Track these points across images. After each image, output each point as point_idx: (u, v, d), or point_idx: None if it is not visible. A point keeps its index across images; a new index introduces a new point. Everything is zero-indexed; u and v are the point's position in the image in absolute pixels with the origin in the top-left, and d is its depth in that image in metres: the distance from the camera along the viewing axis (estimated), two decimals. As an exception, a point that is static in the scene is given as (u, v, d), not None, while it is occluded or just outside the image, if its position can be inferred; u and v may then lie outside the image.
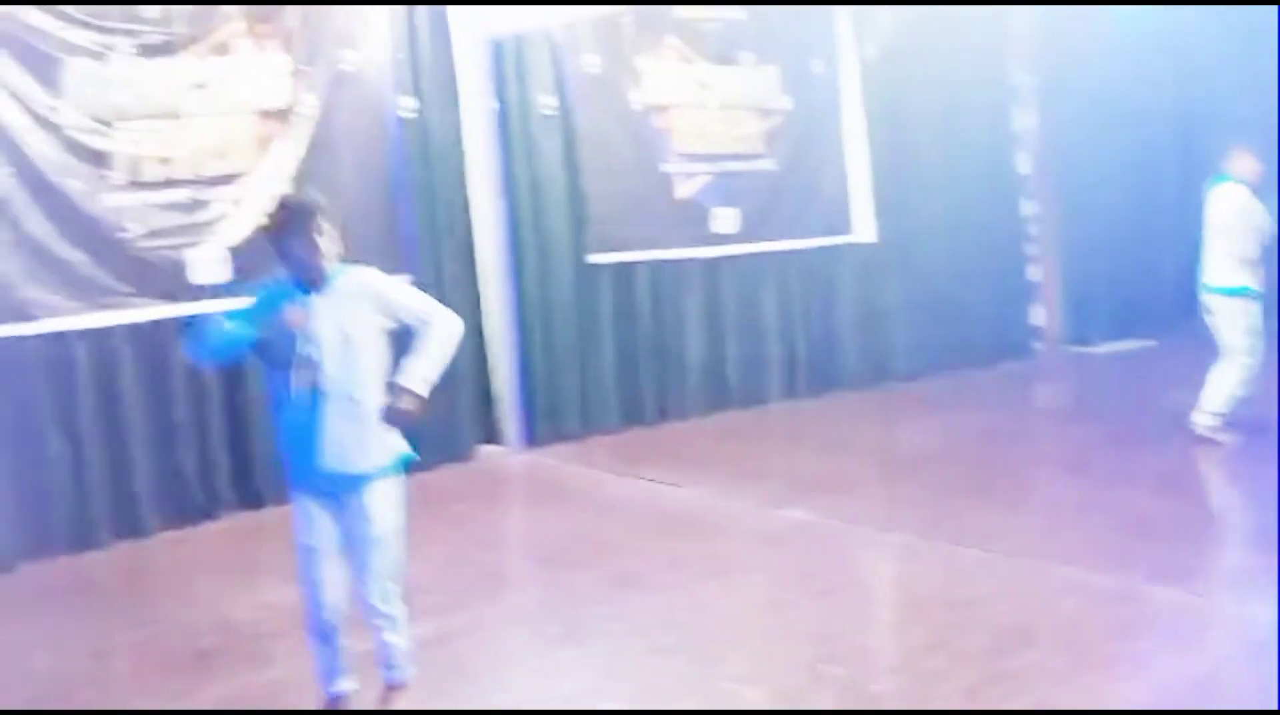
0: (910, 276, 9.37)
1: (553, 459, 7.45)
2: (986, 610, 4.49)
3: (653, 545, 5.58)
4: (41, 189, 5.66)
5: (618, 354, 8.01)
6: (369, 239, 6.78)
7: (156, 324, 6.05)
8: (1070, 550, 4.99)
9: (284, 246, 3.46)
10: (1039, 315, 10.37)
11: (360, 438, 3.47)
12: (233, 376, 6.39)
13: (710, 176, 8.29)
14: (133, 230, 5.92)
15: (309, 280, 3.48)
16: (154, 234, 6.00)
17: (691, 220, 8.22)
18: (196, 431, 6.30)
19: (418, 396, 3.46)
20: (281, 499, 6.43)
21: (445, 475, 7.12)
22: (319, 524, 3.56)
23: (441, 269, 7.20)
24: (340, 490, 3.52)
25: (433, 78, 7.11)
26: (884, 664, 4.12)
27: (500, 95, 7.42)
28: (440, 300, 7.00)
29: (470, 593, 5.04)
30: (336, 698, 3.70)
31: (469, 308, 7.41)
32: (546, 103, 7.55)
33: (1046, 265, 10.29)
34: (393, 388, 3.46)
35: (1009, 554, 5.06)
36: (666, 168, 8.08)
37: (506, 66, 7.44)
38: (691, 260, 8.26)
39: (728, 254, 8.42)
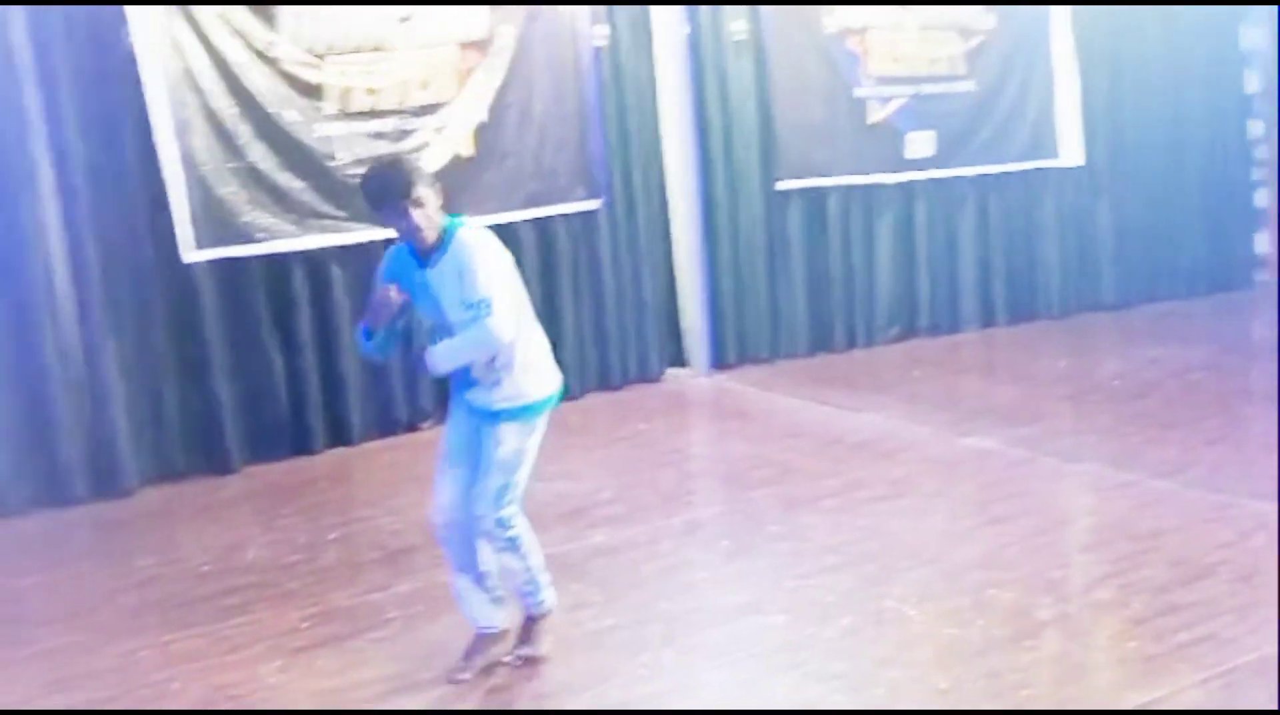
0: (1121, 201, 8.98)
1: (738, 383, 7.56)
2: (1168, 542, 4.39)
3: (831, 468, 5.65)
4: (262, 121, 6.06)
5: (807, 280, 8.02)
6: (561, 166, 7.04)
7: (363, 245, 6.43)
8: (1264, 486, 4.78)
9: (384, 219, 3.42)
10: (1263, 243, 9.74)
11: (490, 386, 3.54)
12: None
13: (906, 99, 8.11)
14: (342, 158, 6.28)
15: (419, 253, 3.45)
16: (361, 162, 6.33)
17: (885, 144, 8.08)
18: (402, 347, 6.67)
19: (431, 366, 3.53)
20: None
21: (633, 395, 7.37)
22: (460, 428, 3.68)
23: (632, 195, 7.36)
24: (480, 420, 3.62)
25: (626, 5, 7.20)
26: (1054, 592, 4.09)
27: (692, 21, 7.46)
28: (631, 227, 7.31)
29: (648, 507, 5.24)
30: (484, 633, 3.75)
31: (659, 234, 7.58)
32: (738, 28, 7.53)
33: (1274, 190, 9.62)
34: (420, 352, 3.57)
35: (1198, 487, 4.90)
36: (860, 91, 7.96)
37: (697, -8, 7.48)
38: (884, 185, 8.14)
39: (923, 178, 8.25)
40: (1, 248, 5.56)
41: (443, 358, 3.52)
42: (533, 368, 3.63)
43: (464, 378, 3.60)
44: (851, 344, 8.19)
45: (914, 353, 8.12)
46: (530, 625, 3.80)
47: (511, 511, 3.61)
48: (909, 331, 8.40)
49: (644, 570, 4.51)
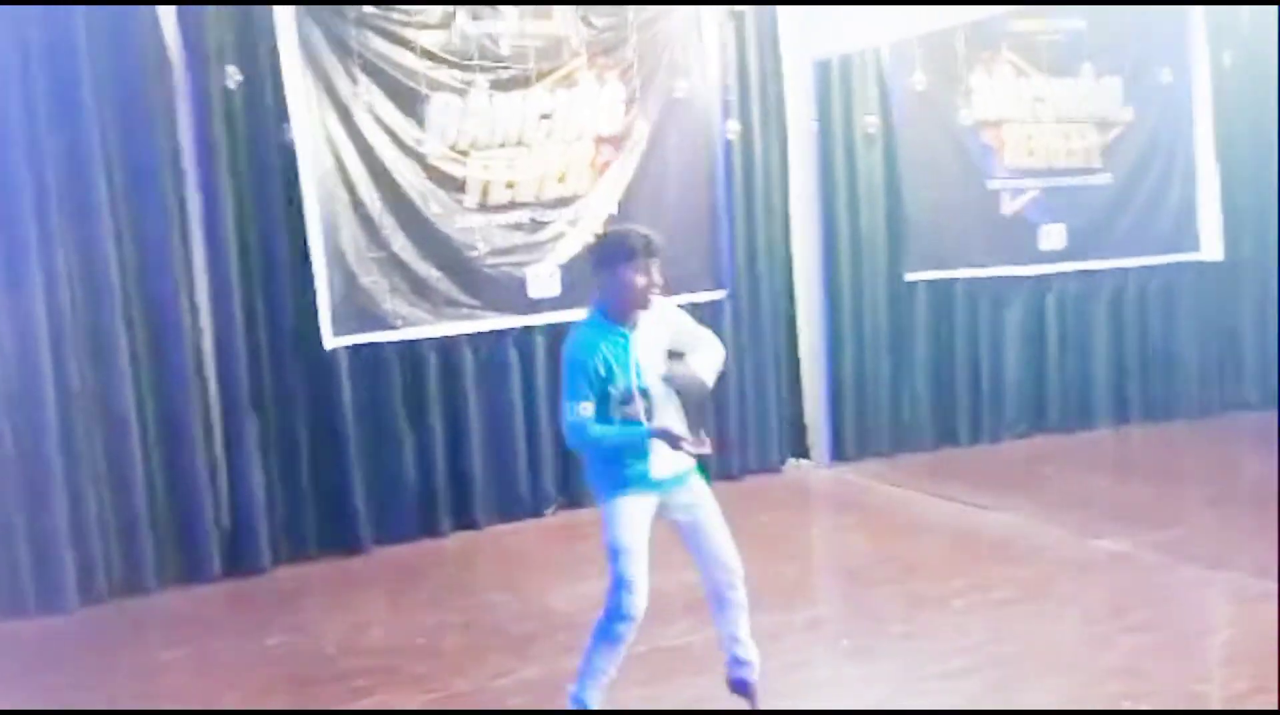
0: (1265, 297, 8.67)
1: (860, 475, 7.48)
2: (1319, 661, 4.17)
3: (956, 567, 5.53)
4: (406, 212, 6.32)
5: (932, 372, 7.94)
6: (690, 257, 7.14)
7: (496, 333, 6.61)
8: None
9: (604, 278, 3.59)
10: None
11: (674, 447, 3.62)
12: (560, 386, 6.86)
13: (1039, 191, 8.04)
14: (480, 249, 6.50)
15: (624, 318, 3.59)
16: (497, 252, 6.56)
17: (1016, 236, 8.00)
18: (527, 434, 6.82)
19: (703, 382, 3.68)
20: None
21: (754, 485, 7.35)
22: (639, 513, 3.68)
23: (758, 286, 7.42)
24: (670, 488, 3.71)
25: (758, 100, 7.33)
26: (1196, 706, 3.92)
27: (822, 115, 7.55)
28: (755, 317, 7.36)
29: (770, 600, 5.15)
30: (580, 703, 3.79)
31: (784, 324, 7.60)
32: (869, 121, 7.61)
33: None
34: (679, 371, 3.63)
35: (1353, 603, 4.66)
36: (993, 183, 7.92)
37: (830, 87, 7.57)
38: (1014, 278, 8.04)
39: (1054, 271, 8.13)
40: (155, 329, 5.85)
41: (706, 366, 3.71)
42: None
43: (631, 455, 3.63)
44: (976, 439, 8.05)
45: (1042, 450, 7.93)
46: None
47: None
48: (1037, 427, 8.20)
49: (768, 666, 4.43)
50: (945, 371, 7.97)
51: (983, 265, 7.93)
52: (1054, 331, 8.24)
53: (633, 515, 3.66)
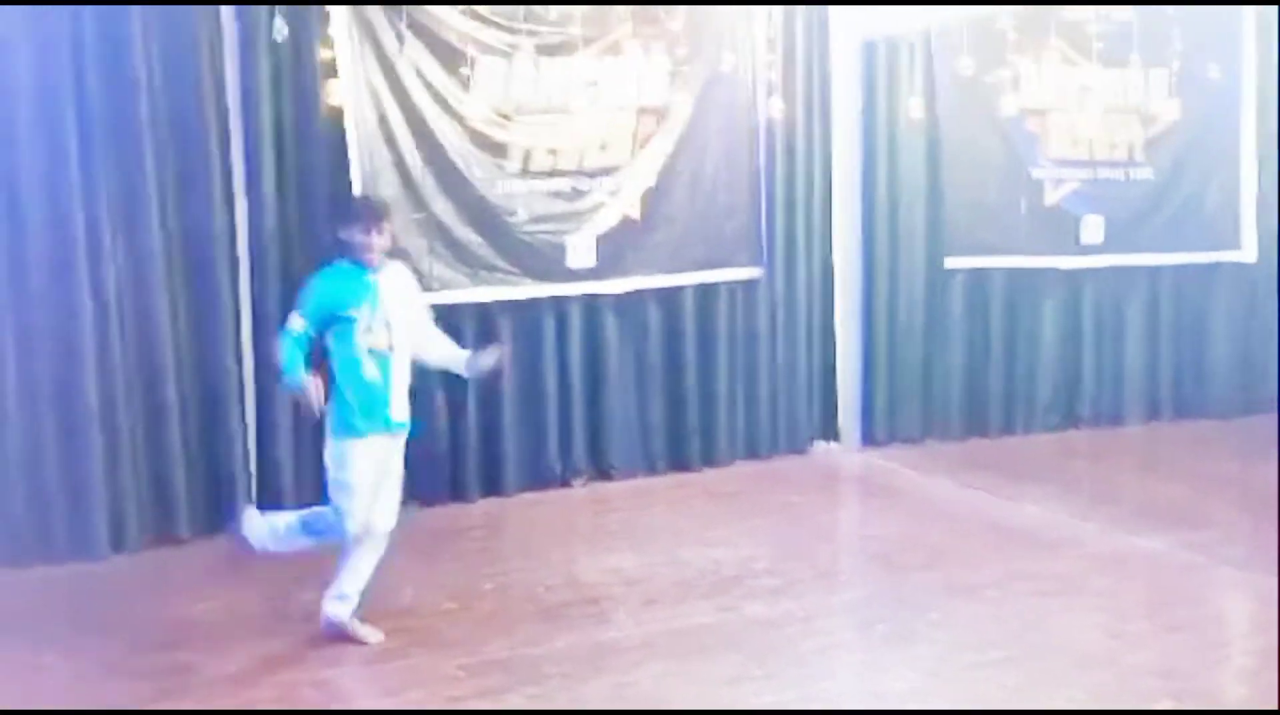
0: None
1: (889, 461, 7.44)
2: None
3: (987, 556, 5.51)
4: (448, 175, 6.26)
5: (965, 360, 7.88)
6: (727, 233, 7.10)
7: (532, 301, 6.58)
8: None
9: (351, 234, 4.34)
10: None
11: (404, 397, 4.45)
12: (596, 357, 6.86)
13: (1080, 183, 7.96)
14: (520, 215, 6.45)
15: (368, 263, 4.36)
16: (537, 219, 6.51)
17: (1056, 227, 7.92)
18: (559, 404, 6.80)
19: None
20: (630, 473, 6.92)
21: (782, 465, 7.34)
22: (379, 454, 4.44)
23: (794, 265, 7.36)
24: (396, 434, 4.50)
25: (803, 79, 7.24)
26: (1234, 708, 3.89)
27: (867, 97, 7.48)
28: (791, 297, 7.32)
29: (802, 582, 5.18)
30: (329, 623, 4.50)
31: (819, 306, 7.54)
32: (913, 105, 7.53)
33: None
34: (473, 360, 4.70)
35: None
36: (1036, 173, 7.84)
37: (876, 69, 7.49)
38: (1051, 269, 7.97)
39: (1092, 264, 8.06)
40: (196, 282, 5.85)
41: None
42: None
43: (387, 395, 4.39)
44: (1008, 429, 8.00)
45: (1073, 443, 7.89)
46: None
47: None
48: (1069, 421, 8.15)
49: (802, 648, 4.44)
50: (979, 360, 7.92)
51: (1020, 254, 7.85)
52: (1089, 324, 8.18)
53: (373, 450, 4.39)
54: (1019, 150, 7.77)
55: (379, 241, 4.37)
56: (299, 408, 6.02)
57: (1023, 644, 4.41)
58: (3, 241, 5.41)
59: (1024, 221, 7.81)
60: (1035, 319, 8.05)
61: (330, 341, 4.39)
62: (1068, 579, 5.18)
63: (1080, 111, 7.91)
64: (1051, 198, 7.91)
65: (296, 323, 4.31)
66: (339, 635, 4.49)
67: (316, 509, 4.54)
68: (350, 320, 4.31)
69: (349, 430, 4.35)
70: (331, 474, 4.40)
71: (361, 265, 4.36)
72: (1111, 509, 6.23)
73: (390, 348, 4.39)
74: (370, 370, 4.34)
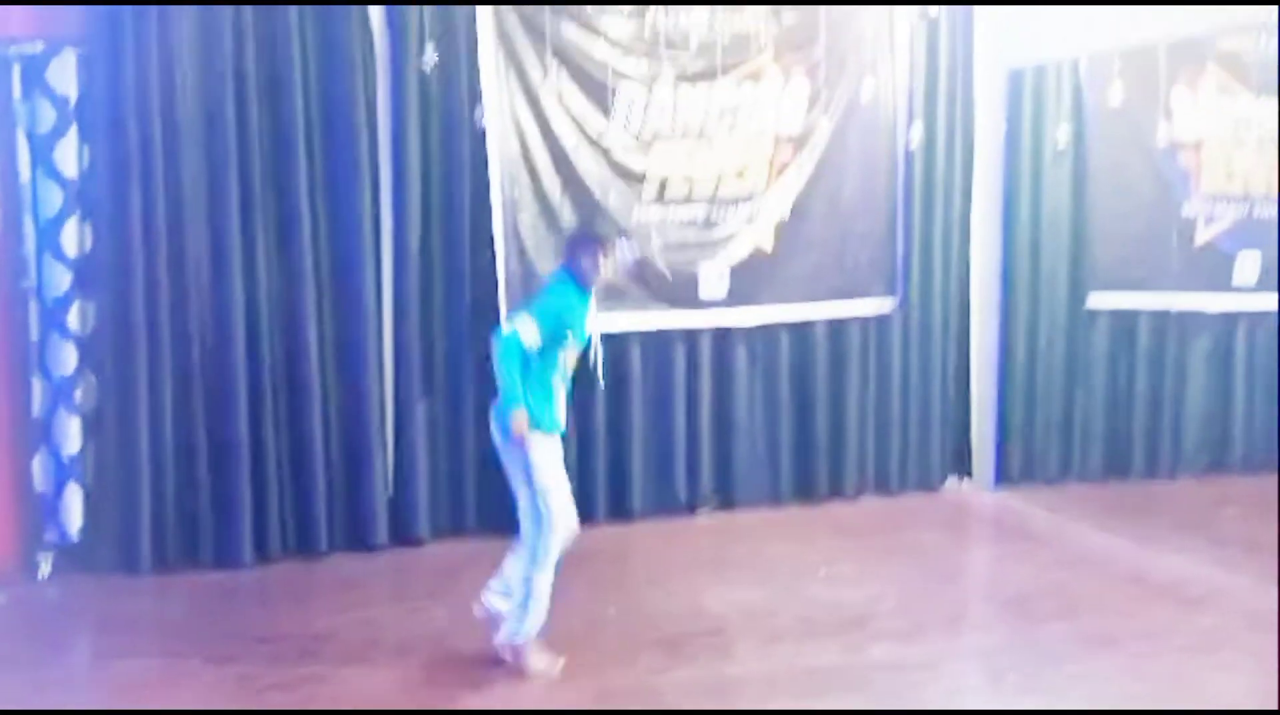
0: None
1: (1024, 502, 7.23)
2: None
3: (1128, 607, 5.31)
4: (584, 201, 6.34)
5: (1107, 400, 7.63)
6: (863, 263, 7.01)
7: (661, 331, 6.60)
8: None
9: (585, 258, 4.51)
10: None
11: None
12: (725, 386, 6.84)
13: (1234, 220, 7.64)
14: (655, 243, 6.48)
15: (589, 286, 4.56)
16: (671, 247, 6.53)
17: (1209, 266, 7.60)
18: (687, 432, 6.79)
19: None
20: (756, 504, 6.87)
21: (912, 503, 7.20)
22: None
23: (931, 298, 7.23)
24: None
25: (945, 107, 7.12)
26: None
27: (1011, 126, 7.31)
28: (926, 331, 7.20)
29: (929, 625, 5.07)
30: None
31: (955, 340, 7.39)
32: (1060, 135, 7.33)
33: None
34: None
35: None
36: (1188, 209, 7.55)
37: (1023, 96, 7.32)
38: (1202, 310, 7.66)
39: (1245, 306, 7.72)
40: (341, 306, 6.02)
41: None
42: None
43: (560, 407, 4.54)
44: (1152, 473, 7.70)
45: (1223, 489, 7.54)
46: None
47: None
48: (1218, 466, 7.82)
49: (927, 694, 4.35)
50: (1122, 399, 7.65)
51: (1170, 292, 7.56)
52: (1241, 366, 7.83)
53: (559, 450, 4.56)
54: (1170, 185, 7.50)
55: (607, 268, 4.57)
56: (435, 429, 6.22)
57: (1167, 704, 4.22)
58: (167, 263, 5.67)
59: (1173, 258, 7.53)
60: (1183, 356, 7.75)
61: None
62: (1216, 635, 4.95)
63: (1237, 145, 7.59)
64: (1203, 236, 7.60)
65: (531, 337, 4.34)
66: (496, 625, 4.57)
67: (512, 575, 4.63)
68: (565, 338, 4.46)
69: (552, 425, 4.48)
70: (540, 475, 4.48)
71: (584, 288, 4.54)
72: (1264, 561, 5.91)
73: (593, 366, 4.73)
74: (559, 382, 4.52)
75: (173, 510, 5.74)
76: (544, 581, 4.45)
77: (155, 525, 5.68)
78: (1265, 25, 7.34)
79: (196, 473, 5.75)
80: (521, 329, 4.33)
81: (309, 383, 5.91)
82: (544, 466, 4.45)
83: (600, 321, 4.80)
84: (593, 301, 4.61)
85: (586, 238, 4.76)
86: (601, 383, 4.95)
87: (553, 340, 4.40)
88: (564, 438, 4.60)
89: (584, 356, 4.65)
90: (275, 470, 5.89)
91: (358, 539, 6.08)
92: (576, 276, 4.53)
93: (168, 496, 5.72)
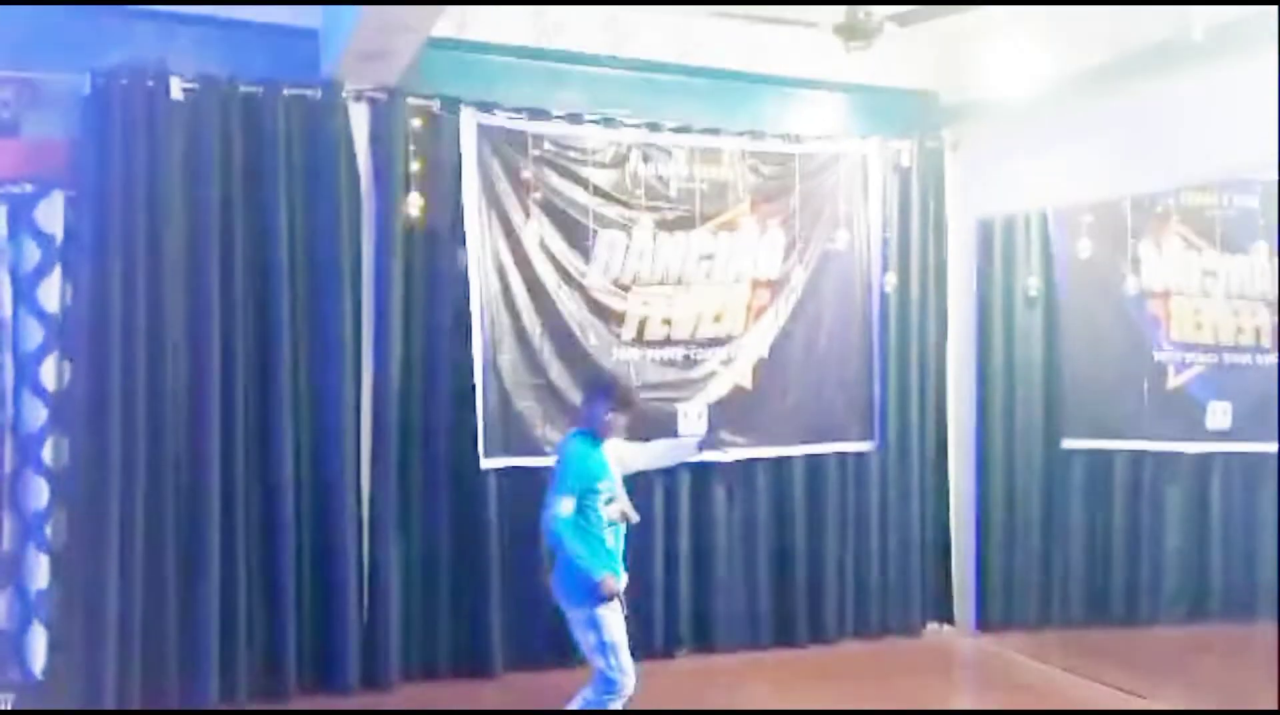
0: None
1: (1005, 647, 7.16)
2: None
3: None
4: (564, 341, 6.44)
5: (1085, 544, 7.63)
6: (840, 406, 7.09)
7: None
8: None
9: (604, 412, 4.79)
10: None
11: None
12: (702, 524, 6.83)
13: (1204, 368, 7.78)
14: (634, 382, 6.53)
15: (605, 437, 4.80)
16: (649, 386, 6.59)
17: (1180, 412, 7.70)
18: (665, 570, 6.75)
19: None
20: (734, 646, 6.76)
21: (892, 647, 7.12)
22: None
23: (908, 441, 7.29)
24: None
25: (918, 254, 7.32)
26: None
27: (982, 273, 7.48)
28: (904, 472, 7.23)
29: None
30: None
31: (934, 481, 7.41)
32: (1031, 283, 7.51)
33: None
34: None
35: None
36: (1158, 356, 7.69)
37: (992, 245, 7.51)
38: (1177, 453, 7.73)
39: (1219, 450, 7.79)
40: (318, 438, 6.01)
41: None
42: None
43: (618, 564, 4.75)
44: (1131, 618, 7.64)
45: (1203, 638, 7.46)
46: None
47: None
48: (1198, 613, 7.76)
49: None
50: (1100, 544, 7.66)
51: (1143, 437, 7.64)
52: (1218, 511, 7.85)
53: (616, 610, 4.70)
54: (1141, 331, 7.66)
55: (624, 423, 4.82)
56: (409, 568, 6.13)
57: None
58: (144, 400, 5.66)
59: (1146, 404, 7.63)
60: (1159, 503, 7.77)
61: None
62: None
63: (1204, 296, 7.78)
64: (1174, 382, 7.72)
65: (567, 506, 4.58)
66: None
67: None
68: (596, 492, 4.63)
69: (598, 598, 4.62)
70: (593, 641, 4.67)
71: (599, 440, 4.77)
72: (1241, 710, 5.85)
73: (623, 517, 4.77)
74: (609, 539, 4.68)
75: (139, 649, 5.60)
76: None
77: (120, 664, 5.53)
78: (1225, 183, 7.63)
79: (165, 611, 5.63)
80: (556, 508, 4.58)
81: (284, 521, 5.86)
82: (609, 625, 4.64)
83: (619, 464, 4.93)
84: (608, 447, 4.82)
85: (607, 391, 4.96)
86: (636, 517, 4.93)
87: (585, 496, 4.60)
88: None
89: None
90: (245, 608, 5.79)
91: (327, 679, 5.94)
92: (594, 431, 4.78)
93: (134, 634, 5.59)
